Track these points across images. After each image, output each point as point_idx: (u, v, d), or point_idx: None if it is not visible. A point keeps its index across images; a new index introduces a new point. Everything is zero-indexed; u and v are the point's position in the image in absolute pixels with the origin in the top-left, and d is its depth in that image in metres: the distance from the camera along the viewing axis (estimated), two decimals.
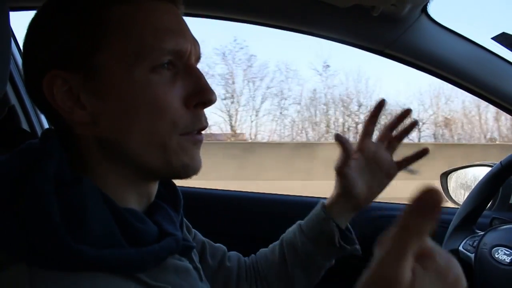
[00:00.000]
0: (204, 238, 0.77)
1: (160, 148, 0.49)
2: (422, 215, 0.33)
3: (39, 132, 1.22)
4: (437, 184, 1.22)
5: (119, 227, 0.46)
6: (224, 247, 0.81)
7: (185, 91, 0.50)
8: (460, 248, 0.88)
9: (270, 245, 0.83)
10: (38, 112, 1.24)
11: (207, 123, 0.53)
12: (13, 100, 1.17)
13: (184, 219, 0.65)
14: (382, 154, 0.77)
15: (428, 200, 0.33)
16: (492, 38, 0.90)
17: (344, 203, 0.77)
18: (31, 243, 0.41)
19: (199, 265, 0.61)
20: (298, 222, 0.82)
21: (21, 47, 0.53)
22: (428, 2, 0.88)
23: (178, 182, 0.62)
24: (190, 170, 0.52)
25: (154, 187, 0.56)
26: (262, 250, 0.84)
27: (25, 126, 1.20)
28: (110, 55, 0.47)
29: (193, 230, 0.75)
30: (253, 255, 0.84)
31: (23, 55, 0.52)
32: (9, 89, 1.15)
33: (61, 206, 0.42)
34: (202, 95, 0.51)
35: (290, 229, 0.82)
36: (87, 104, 0.48)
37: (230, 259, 0.80)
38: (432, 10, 0.92)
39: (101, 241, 0.43)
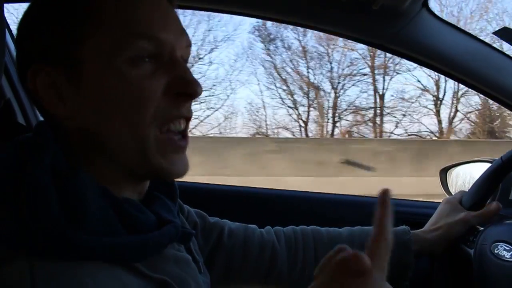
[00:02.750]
0: (197, 219, 0.75)
1: (138, 142, 0.48)
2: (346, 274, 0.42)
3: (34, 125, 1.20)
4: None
5: (117, 216, 0.46)
6: (223, 223, 0.79)
7: (167, 81, 0.49)
8: (460, 243, 0.88)
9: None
10: (34, 105, 1.22)
11: (189, 114, 0.51)
12: (9, 93, 1.16)
13: (179, 201, 0.65)
14: None
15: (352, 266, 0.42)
16: (494, 33, 0.89)
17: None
18: (30, 234, 0.41)
19: (198, 257, 0.61)
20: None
21: None
22: None
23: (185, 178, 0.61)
24: (168, 174, 0.51)
25: (145, 183, 0.55)
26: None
27: (20, 120, 1.19)
28: (91, 49, 0.47)
29: (187, 209, 0.75)
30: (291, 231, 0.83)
31: (15, 48, 0.53)
32: (4, 82, 1.13)
33: (59, 197, 0.42)
34: (185, 85, 0.49)
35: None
36: (69, 98, 0.48)
37: (232, 235, 0.77)
38: (432, 4, 0.91)
39: (101, 230, 0.43)
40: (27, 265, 0.40)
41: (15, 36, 0.53)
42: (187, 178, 0.55)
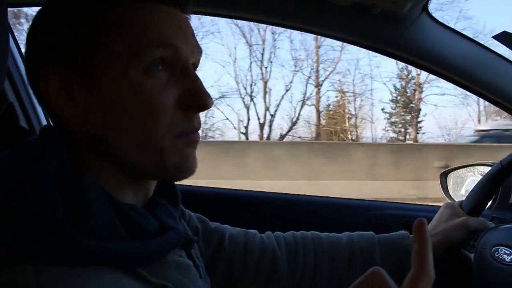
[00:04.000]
0: (198, 224, 0.76)
1: (153, 150, 0.49)
2: None
3: (37, 129, 1.21)
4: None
5: (120, 222, 0.46)
6: (224, 228, 0.79)
7: (179, 93, 0.50)
8: (460, 247, 0.88)
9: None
10: (37, 109, 1.23)
11: (199, 124, 0.52)
12: (11, 97, 1.17)
13: (181, 205, 0.65)
14: None
15: None
16: (493, 37, 0.89)
17: None
18: (35, 239, 0.41)
19: (198, 262, 0.61)
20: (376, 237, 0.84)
21: (19, 44, 0.53)
22: (429, 0, 0.88)
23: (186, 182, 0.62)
24: (183, 171, 0.51)
25: (152, 185, 0.55)
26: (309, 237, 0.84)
27: (23, 123, 1.20)
28: (106, 54, 0.47)
29: (188, 214, 0.75)
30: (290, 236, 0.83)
31: (25, 48, 0.52)
32: (7, 86, 1.14)
33: (64, 202, 0.42)
34: (197, 98, 0.50)
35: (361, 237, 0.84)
36: (81, 102, 0.48)
37: (233, 240, 0.77)
38: (432, 8, 0.92)
39: (104, 236, 0.43)
40: (32, 269, 0.40)
41: (26, 36, 0.51)
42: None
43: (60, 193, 0.43)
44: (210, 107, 0.51)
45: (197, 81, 0.51)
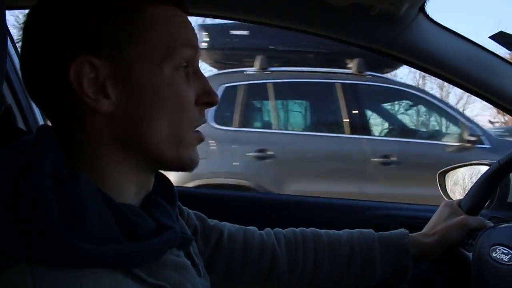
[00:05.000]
0: (197, 222, 0.76)
1: (177, 142, 0.52)
2: None
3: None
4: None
5: (116, 222, 0.46)
6: (223, 225, 0.79)
7: (196, 90, 0.54)
8: (458, 247, 0.88)
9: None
10: (35, 111, 1.23)
11: (206, 119, 0.58)
12: (9, 99, 1.16)
13: (178, 202, 0.65)
14: None
15: None
16: (490, 37, 0.90)
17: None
18: (30, 242, 0.40)
19: (197, 261, 0.61)
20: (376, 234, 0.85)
21: (17, 46, 0.53)
22: (426, 0, 0.88)
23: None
24: (194, 164, 0.56)
25: (153, 179, 0.57)
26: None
27: (21, 125, 1.20)
28: (142, 49, 0.49)
29: (187, 211, 0.75)
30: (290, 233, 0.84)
31: (32, 39, 0.50)
32: (5, 88, 1.14)
33: (59, 203, 0.42)
34: (211, 96, 0.55)
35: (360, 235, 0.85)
36: (112, 94, 0.49)
37: (232, 238, 0.78)
38: (429, 8, 0.92)
39: (101, 237, 0.43)
40: (28, 271, 0.40)
41: (41, 25, 0.50)
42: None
43: (55, 194, 0.42)
44: (217, 103, 0.57)
45: (207, 81, 0.56)
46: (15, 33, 1.14)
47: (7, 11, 0.72)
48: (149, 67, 0.50)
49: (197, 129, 0.56)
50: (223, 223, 0.81)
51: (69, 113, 0.50)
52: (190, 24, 0.55)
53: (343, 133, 3.71)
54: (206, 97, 0.55)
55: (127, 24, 0.49)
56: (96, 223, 0.44)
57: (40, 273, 0.40)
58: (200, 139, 0.56)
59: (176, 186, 0.64)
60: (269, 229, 0.84)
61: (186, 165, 0.55)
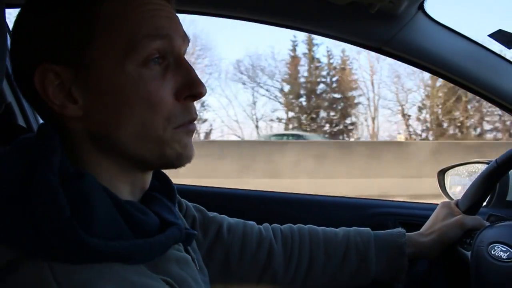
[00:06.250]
0: (196, 213, 0.76)
1: (153, 141, 0.50)
2: None
3: (35, 128, 1.21)
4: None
5: (122, 219, 0.46)
6: (222, 218, 0.80)
7: (176, 84, 0.51)
8: (456, 246, 0.88)
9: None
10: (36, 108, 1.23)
11: (196, 114, 0.54)
12: (10, 97, 1.16)
13: (177, 195, 0.66)
14: None
15: None
16: (489, 35, 0.90)
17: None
18: (44, 239, 0.41)
19: (194, 255, 0.61)
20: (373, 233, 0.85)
21: None
22: None
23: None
24: (183, 159, 0.53)
25: (148, 177, 0.56)
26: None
27: (21, 123, 1.19)
28: (101, 49, 0.47)
29: (185, 203, 0.75)
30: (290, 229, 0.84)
31: (12, 48, 0.51)
32: (5, 86, 1.14)
33: (69, 200, 0.42)
34: (193, 88, 0.51)
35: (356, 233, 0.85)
36: (79, 98, 0.48)
37: (231, 230, 0.78)
38: (428, 7, 0.92)
39: (109, 233, 0.44)
40: (47, 267, 0.40)
41: (12, 35, 0.51)
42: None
43: (64, 192, 0.43)
44: (204, 95, 0.53)
45: (191, 71, 0.52)
46: None
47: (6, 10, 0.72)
48: (110, 67, 0.47)
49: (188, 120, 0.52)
50: (222, 216, 0.81)
51: (52, 116, 0.50)
52: (163, 10, 0.51)
53: None
54: (187, 90, 0.51)
55: (83, 25, 0.47)
56: (104, 220, 0.44)
57: (59, 269, 0.40)
58: (189, 132, 0.52)
59: (175, 184, 0.64)
60: (267, 224, 0.85)
61: (172, 162, 0.52)
